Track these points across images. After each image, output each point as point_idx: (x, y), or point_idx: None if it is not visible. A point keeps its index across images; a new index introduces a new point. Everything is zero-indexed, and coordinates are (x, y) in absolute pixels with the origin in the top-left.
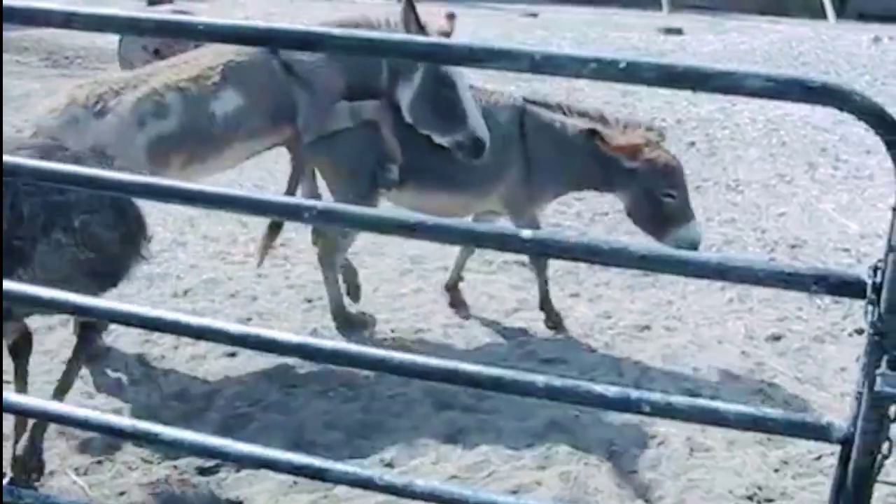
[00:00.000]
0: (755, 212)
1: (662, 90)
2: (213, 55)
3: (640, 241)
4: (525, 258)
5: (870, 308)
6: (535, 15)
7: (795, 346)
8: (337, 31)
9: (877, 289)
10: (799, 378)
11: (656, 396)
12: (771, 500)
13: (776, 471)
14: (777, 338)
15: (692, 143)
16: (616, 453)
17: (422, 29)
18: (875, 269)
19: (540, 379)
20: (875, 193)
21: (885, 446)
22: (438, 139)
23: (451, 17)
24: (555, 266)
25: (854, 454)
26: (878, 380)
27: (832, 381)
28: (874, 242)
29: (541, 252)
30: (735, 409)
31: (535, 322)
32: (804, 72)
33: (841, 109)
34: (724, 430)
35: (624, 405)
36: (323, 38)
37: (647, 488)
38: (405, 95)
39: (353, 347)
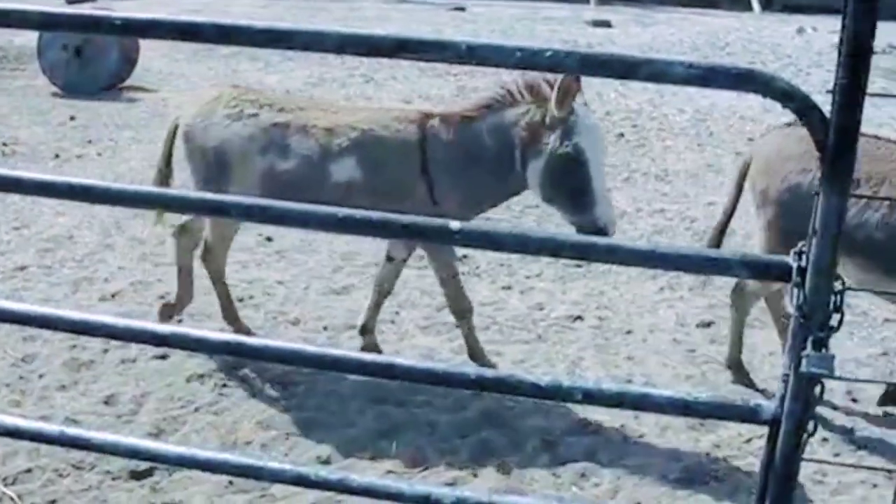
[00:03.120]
0: (684, 201)
1: (592, 82)
2: (362, 114)
3: (571, 231)
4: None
5: (795, 291)
6: (462, 9)
7: (726, 332)
8: (259, 25)
9: (801, 272)
10: (711, 362)
11: (588, 384)
12: (704, 483)
13: (708, 454)
14: (708, 324)
15: (621, 135)
16: (551, 443)
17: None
18: (799, 252)
19: (471, 371)
20: None
21: (811, 425)
22: (564, 217)
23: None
24: (486, 259)
25: (782, 434)
26: (804, 361)
27: (761, 365)
28: None
29: (471, 244)
30: (666, 395)
31: None
32: (730, 62)
33: (764, 95)
34: (658, 417)
35: (556, 394)
36: (242, 30)
37: (582, 476)
38: (535, 170)
39: (285, 345)
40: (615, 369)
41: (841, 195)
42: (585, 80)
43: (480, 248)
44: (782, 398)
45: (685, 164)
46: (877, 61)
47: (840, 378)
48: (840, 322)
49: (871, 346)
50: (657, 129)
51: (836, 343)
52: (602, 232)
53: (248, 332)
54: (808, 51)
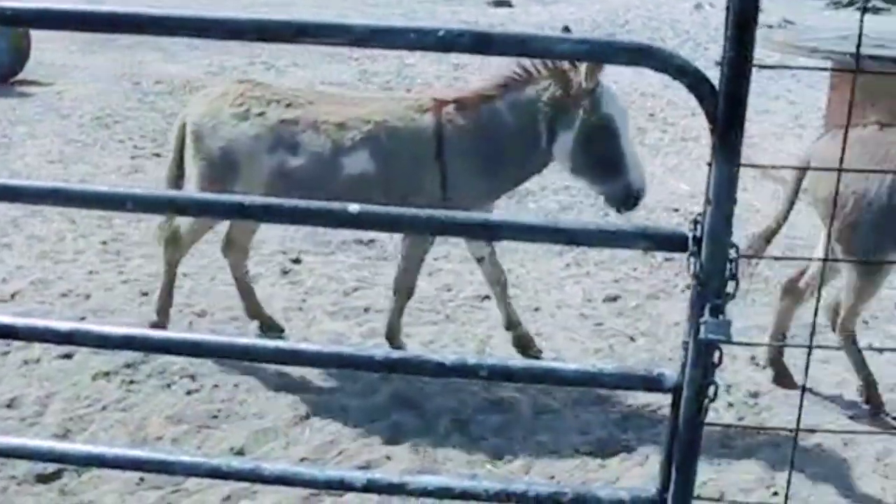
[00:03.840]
0: None
1: (494, 62)
2: (375, 107)
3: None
4: (364, 235)
5: (692, 260)
6: None
7: (632, 305)
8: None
9: (697, 241)
10: (636, 335)
11: (493, 361)
12: (615, 453)
13: (618, 426)
14: (614, 298)
15: None
16: (463, 421)
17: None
18: (695, 222)
19: (378, 353)
20: (701, 154)
21: (711, 390)
22: (591, 188)
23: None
24: (394, 242)
25: (683, 400)
26: (702, 327)
27: (667, 336)
28: (701, 200)
29: (371, 226)
30: (572, 368)
31: (375, 300)
32: (630, 39)
33: (654, 69)
34: (567, 392)
35: (462, 371)
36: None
37: (495, 453)
38: (565, 143)
39: (192, 336)
40: None
41: (732, 165)
42: (484, 59)
43: (381, 231)
44: (683, 366)
45: None
46: (772, 35)
47: (737, 343)
48: (736, 289)
49: (773, 312)
50: None
51: (739, 310)
52: (636, 197)
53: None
54: (705, 26)
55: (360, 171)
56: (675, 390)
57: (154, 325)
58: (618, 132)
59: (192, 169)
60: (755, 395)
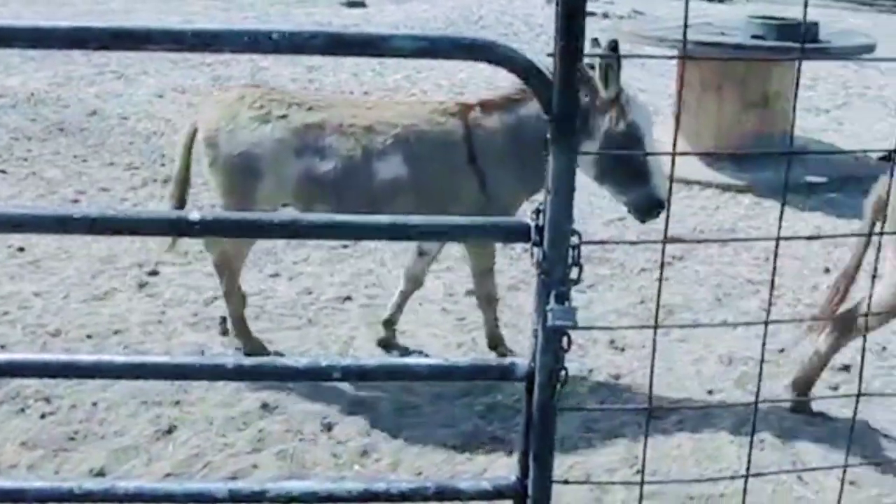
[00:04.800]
0: None
1: (348, 63)
2: (400, 111)
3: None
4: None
5: (535, 249)
6: None
7: None
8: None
9: (540, 231)
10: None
11: (346, 362)
12: (482, 445)
13: (483, 417)
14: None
15: None
16: (329, 424)
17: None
18: (537, 212)
19: (229, 361)
20: None
21: (562, 375)
22: (615, 196)
23: None
24: (254, 248)
25: (536, 387)
26: (549, 315)
27: (528, 326)
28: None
29: (213, 232)
30: (425, 363)
31: None
32: (484, 35)
33: (492, 63)
34: (432, 387)
35: (315, 374)
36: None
37: (363, 454)
38: (589, 149)
39: (40, 357)
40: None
41: (569, 154)
42: (339, 61)
43: (225, 236)
44: (534, 353)
45: None
46: (621, 25)
47: (583, 328)
48: (580, 275)
49: (630, 296)
50: None
51: (598, 295)
52: (659, 204)
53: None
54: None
55: (394, 175)
56: (528, 378)
57: (249, 353)
58: (643, 141)
59: (211, 179)
60: (616, 377)
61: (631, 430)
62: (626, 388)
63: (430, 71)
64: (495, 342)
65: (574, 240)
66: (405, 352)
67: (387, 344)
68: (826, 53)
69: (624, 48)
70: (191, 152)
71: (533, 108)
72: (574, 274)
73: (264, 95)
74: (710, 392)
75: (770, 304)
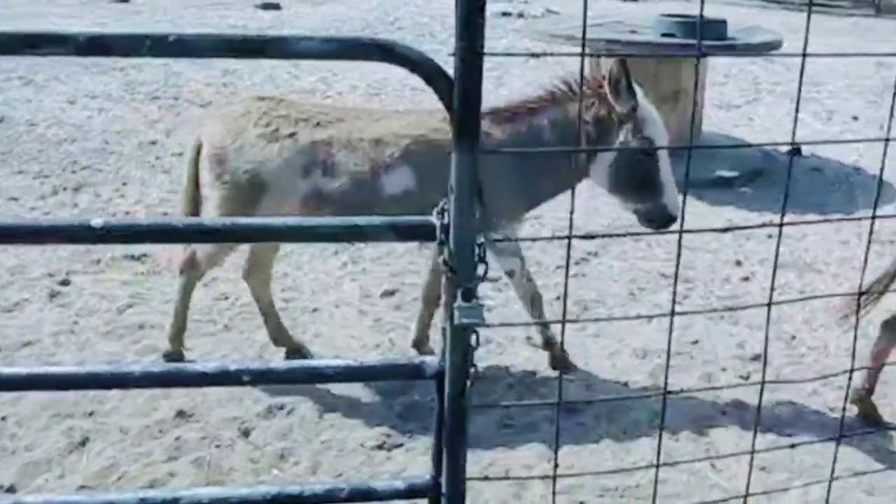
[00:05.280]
0: None
1: (263, 64)
2: (408, 121)
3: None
4: (135, 250)
5: (441, 248)
6: (126, 1)
7: (409, 299)
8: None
9: (445, 229)
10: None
11: (255, 365)
12: (400, 445)
13: (401, 417)
14: (391, 293)
15: None
16: (247, 430)
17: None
18: (442, 211)
19: (136, 369)
20: None
21: (472, 372)
22: (627, 206)
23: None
24: (168, 254)
25: (447, 385)
26: (456, 312)
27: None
28: None
29: (117, 240)
30: (336, 364)
31: (150, 315)
32: (400, 35)
33: (395, 64)
34: (351, 389)
35: (224, 379)
36: None
37: (281, 457)
38: (603, 163)
39: None
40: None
41: (471, 154)
42: (255, 64)
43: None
44: (444, 351)
45: None
46: (534, 25)
47: (489, 325)
48: (485, 272)
49: (547, 293)
50: None
51: (514, 293)
52: (670, 218)
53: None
54: None
55: (403, 189)
56: (439, 376)
57: (169, 356)
58: (656, 155)
59: (213, 193)
60: (533, 373)
61: (548, 425)
62: (544, 384)
63: (346, 73)
64: (421, 343)
65: (479, 237)
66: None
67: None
68: (733, 50)
69: (538, 47)
70: (197, 167)
71: (539, 120)
72: (480, 271)
73: (271, 111)
74: (625, 385)
75: (674, 297)
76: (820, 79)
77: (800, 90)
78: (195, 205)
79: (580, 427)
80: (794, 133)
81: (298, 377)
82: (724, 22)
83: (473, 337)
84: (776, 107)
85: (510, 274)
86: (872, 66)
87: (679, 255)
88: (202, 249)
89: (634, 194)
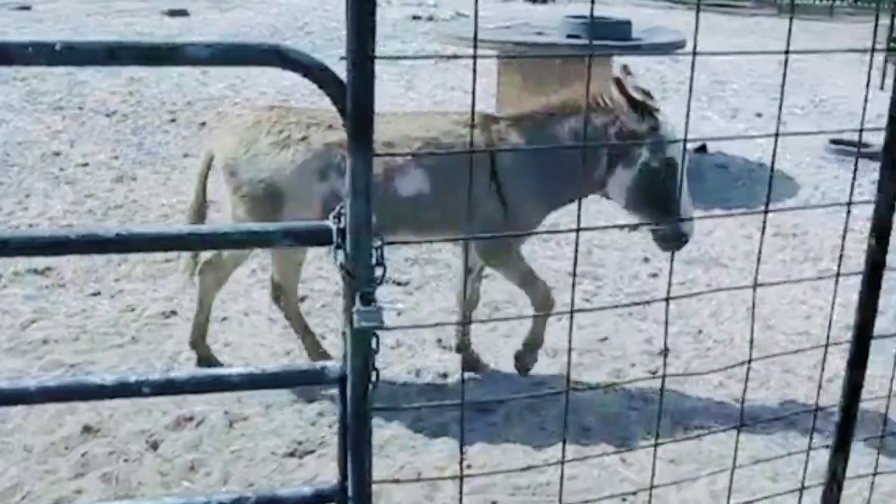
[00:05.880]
0: None
1: (171, 72)
2: (421, 124)
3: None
4: (38, 263)
5: (338, 252)
6: (28, 8)
7: (319, 304)
8: None
9: (342, 233)
10: (326, 332)
11: (155, 376)
12: (311, 451)
13: (313, 424)
14: (302, 299)
15: (203, 124)
16: (155, 443)
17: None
18: (338, 214)
19: (32, 384)
20: None
21: (374, 376)
22: (642, 224)
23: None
24: (72, 267)
25: (349, 389)
26: (355, 316)
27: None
28: None
29: (13, 253)
30: (236, 372)
31: (54, 330)
32: (309, 40)
33: (288, 69)
34: (261, 397)
35: (124, 391)
36: None
37: (191, 469)
38: (622, 179)
39: None
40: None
41: (365, 157)
42: (161, 72)
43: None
44: (345, 355)
45: None
46: (443, 28)
47: (389, 328)
48: (383, 275)
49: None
50: (238, 113)
51: (426, 296)
52: (684, 238)
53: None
54: (382, 24)
55: (416, 191)
56: (341, 381)
57: (201, 359)
58: (676, 176)
59: (235, 210)
60: (444, 375)
61: (458, 426)
62: (455, 386)
63: (255, 79)
64: (537, 343)
65: (376, 240)
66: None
67: (472, 367)
68: (638, 50)
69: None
70: (206, 180)
71: (565, 131)
72: (378, 274)
73: (281, 119)
74: (536, 384)
75: (573, 295)
76: (726, 77)
77: (691, 88)
78: (202, 218)
79: (492, 427)
80: (686, 130)
81: (200, 387)
82: (628, 23)
83: (374, 340)
84: (683, 105)
85: (469, 271)
86: (775, 65)
87: (576, 252)
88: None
89: (652, 213)
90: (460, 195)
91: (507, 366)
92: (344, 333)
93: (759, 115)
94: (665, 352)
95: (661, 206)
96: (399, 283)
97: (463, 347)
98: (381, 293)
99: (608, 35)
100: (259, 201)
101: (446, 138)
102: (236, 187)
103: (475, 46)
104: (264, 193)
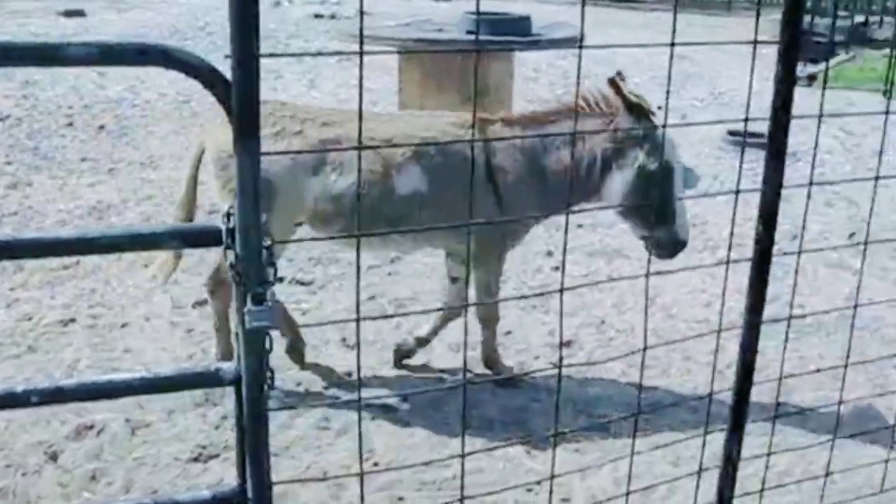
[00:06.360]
0: (171, 185)
1: (67, 76)
2: (418, 124)
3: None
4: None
5: (228, 253)
6: None
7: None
8: None
9: (231, 233)
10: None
11: (43, 385)
12: (216, 455)
13: (217, 427)
14: (203, 302)
15: (102, 127)
16: (55, 454)
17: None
18: (228, 215)
19: None
20: None
21: (269, 376)
22: (636, 232)
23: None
24: None
25: (244, 390)
26: (247, 317)
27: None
28: None
29: None
30: (128, 377)
31: None
32: (210, 41)
33: (174, 70)
34: (164, 402)
35: (11, 401)
36: None
37: (92, 479)
38: (616, 183)
39: None
40: (114, 364)
41: (252, 156)
42: (57, 74)
43: None
44: (238, 356)
45: (170, 147)
46: (343, 26)
47: (279, 328)
48: (275, 275)
49: (362, 293)
50: (139, 116)
51: (329, 295)
52: (681, 244)
53: None
54: (284, 22)
55: (413, 190)
56: (237, 382)
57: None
58: (672, 180)
59: (222, 202)
60: (349, 374)
61: (366, 424)
62: (365, 383)
63: (154, 80)
64: (494, 361)
65: (267, 240)
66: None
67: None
68: (537, 45)
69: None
70: (197, 174)
71: (556, 128)
72: (269, 274)
73: (276, 112)
74: (441, 379)
75: (466, 291)
76: (627, 72)
77: (578, 82)
78: (191, 213)
79: (397, 423)
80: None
81: (90, 394)
82: (527, 18)
83: (268, 340)
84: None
85: (454, 280)
86: (675, 59)
87: (469, 250)
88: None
89: (646, 220)
90: (456, 194)
91: (412, 361)
92: (237, 334)
93: (658, 107)
94: (561, 343)
95: (656, 213)
96: (302, 283)
97: (402, 355)
98: (285, 293)
99: (508, 31)
100: None
101: (444, 138)
102: (226, 182)
103: (360, 43)
104: None
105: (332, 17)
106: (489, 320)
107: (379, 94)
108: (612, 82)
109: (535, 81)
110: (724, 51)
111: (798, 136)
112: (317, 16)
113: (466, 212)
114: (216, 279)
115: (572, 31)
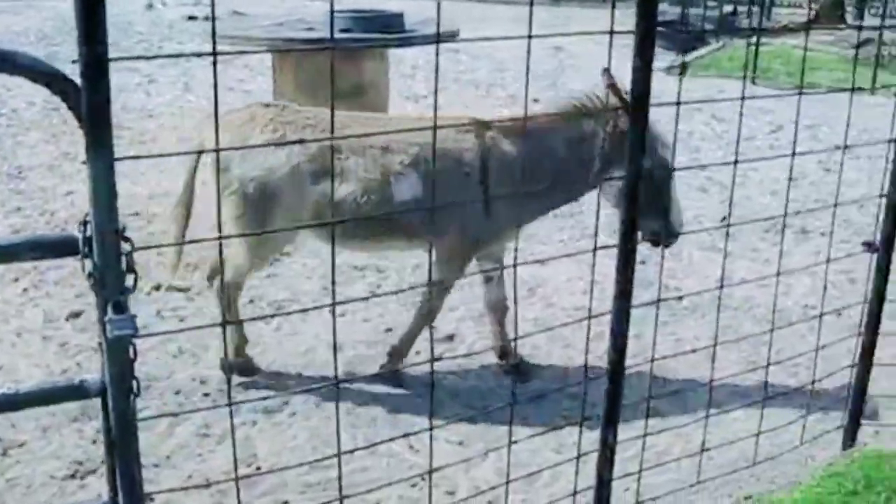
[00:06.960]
0: (42, 195)
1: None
2: (418, 125)
3: None
4: None
5: (86, 261)
6: None
7: (96, 319)
8: None
9: (88, 241)
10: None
11: None
12: (93, 471)
13: (94, 442)
14: (77, 314)
15: None
16: None
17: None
18: (84, 223)
19: None
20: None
21: (135, 386)
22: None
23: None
24: None
25: (111, 401)
26: (108, 326)
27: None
28: (160, 201)
29: None
30: None
31: None
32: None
33: (14, 74)
34: (38, 419)
35: None
36: None
37: None
38: (617, 183)
39: None
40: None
41: (105, 162)
42: None
43: None
44: (103, 366)
45: (40, 157)
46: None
47: (143, 335)
48: (135, 283)
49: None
50: (6, 125)
51: (206, 301)
52: (676, 235)
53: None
54: (158, 25)
55: (412, 195)
56: (103, 393)
57: (243, 370)
58: (669, 175)
59: (223, 208)
60: (228, 381)
61: (247, 429)
62: (241, 390)
63: (20, 87)
64: (403, 352)
65: (126, 247)
66: None
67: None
68: (410, 42)
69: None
70: (195, 176)
71: (560, 136)
72: (129, 282)
73: (276, 117)
74: (323, 378)
75: (333, 289)
76: (505, 65)
77: (436, 78)
78: (188, 213)
79: (279, 426)
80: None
81: None
82: (401, 15)
83: (132, 349)
84: (462, 94)
85: (488, 280)
86: (552, 51)
87: (333, 249)
88: (234, 259)
89: (644, 214)
90: (449, 197)
91: (294, 363)
92: (100, 344)
93: (535, 100)
94: (457, 339)
95: (653, 206)
96: (180, 290)
97: (505, 354)
98: (163, 300)
99: (381, 28)
100: (249, 200)
101: (443, 143)
102: (226, 185)
103: (213, 44)
104: (255, 192)
105: (207, 18)
106: (427, 317)
107: (255, 96)
108: (612, 86)
109: (412, 78)
110: (600, 42)
111: (670, 125)
112: (191, 17)
113: (454, 213)
114: (212, 276)
115: (447, 27)
